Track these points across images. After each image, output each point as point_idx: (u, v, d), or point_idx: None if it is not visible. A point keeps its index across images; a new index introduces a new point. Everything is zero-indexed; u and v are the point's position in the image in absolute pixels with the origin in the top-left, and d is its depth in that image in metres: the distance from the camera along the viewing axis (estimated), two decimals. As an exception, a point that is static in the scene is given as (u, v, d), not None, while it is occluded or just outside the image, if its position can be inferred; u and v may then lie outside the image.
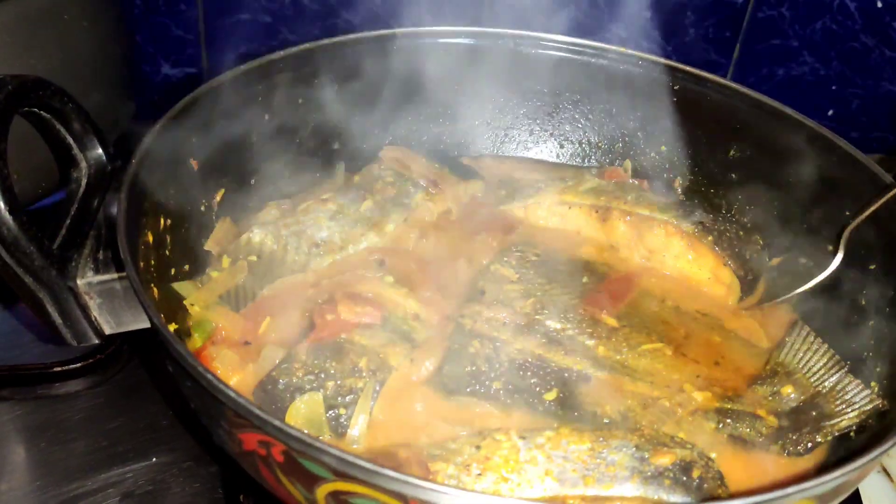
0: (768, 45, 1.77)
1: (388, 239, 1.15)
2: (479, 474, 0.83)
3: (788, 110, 1.20)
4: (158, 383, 1.16)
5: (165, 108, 1.02)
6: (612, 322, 1.04)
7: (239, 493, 1.01)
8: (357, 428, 0.90)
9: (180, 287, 1.02)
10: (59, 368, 1.15)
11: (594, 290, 1.09)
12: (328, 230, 1.13)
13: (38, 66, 1.08)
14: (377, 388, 0.93)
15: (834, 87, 1.83)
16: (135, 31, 1.65)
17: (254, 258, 1.09)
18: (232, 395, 0.70)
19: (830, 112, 1.86)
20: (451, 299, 1.06)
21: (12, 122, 0.88)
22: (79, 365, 1.15)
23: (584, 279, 1.10)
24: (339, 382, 0.92)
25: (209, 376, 0.71)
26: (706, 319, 1.09)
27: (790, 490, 0.66)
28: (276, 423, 0.68)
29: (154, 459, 1.06)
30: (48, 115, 0.96)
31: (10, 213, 0.82)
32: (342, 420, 0.91)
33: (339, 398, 0.91)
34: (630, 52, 1.31)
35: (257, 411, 0.69)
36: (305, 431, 0.75)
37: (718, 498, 0.82)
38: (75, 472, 1.04)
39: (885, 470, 1.20)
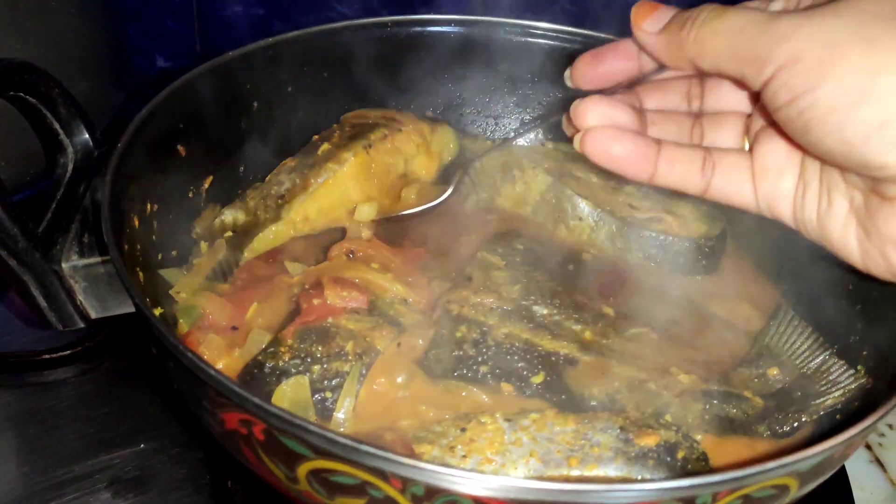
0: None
1: (349, 167, 1.13)
2: (465, 456, 0.83)
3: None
4: (146, 371, 1.16)
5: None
6: (610, 311, 1.04)
7: (226, 478, 1.02)
8: (343, 411, 0.90)
9: (167, 274, 1.03)
10: (47, 356, 1.15)
11: (586, 281, 1.09)
12: (289, 181, 1.13)
13: (25, 53, 1.08)
14: (363, 372, 0.93)
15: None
16: (128, 24, 1.65)
17: (229, 234, 1.10)
18: (212, 373, 0.70)
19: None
20: (438, 285, 1.06)
21: (-3, 105, 0.88)
22: (67, 353, 1.16)
23: (570, 267, 1.11)
24: (325, 366, 0.92)
25: (190, 355, 0.71)
26: (691, 304, 1.09)
27: (770, 465, 0.65)
28: (256, 400, 0.68)
29: (142, 446, 1.06)
30: (34, 100, 0.96)
31: (-7, 195, 0.82)
32: (328, 403, 0.91)
33: (325, 381, 0.91)
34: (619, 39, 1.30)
35: (237, 389, 0.69)
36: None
37: (699, 472, 0.82)
38: (63, 457, 1.04)
39: (878, 461, 1.20)
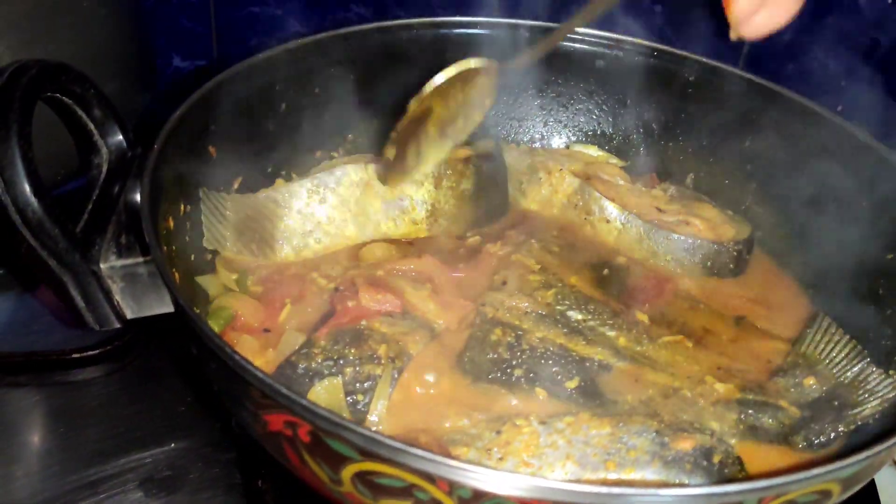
0: (777, 39, 1.77)
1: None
2: (501, 458, 0.83)
3: (803, 99, 1.20)
4: (175, 370, 1.16)
5: (176, 101, 1.02)
6: (645, 319, 1.04)
7: (257, 478, 1.02)
8: (376, 414, 0.91)
9: (202, 280, 1.03)
10: (76, 355, 1.15)
11: (621, 287, 1.10)
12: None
13: (57, 54, 1.07)
14: (395, 375, 0.93)
15: (843, 83, 1.82)
16: (146, 23, 1.65)
17: None
18: (259, 375, 0.70)
19: (839, 108, 1.86)
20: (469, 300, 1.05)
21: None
22: (96, 352, 1.15)
23: (605, 271, 1.11)
24: (357, 369, 0.92)
25: (236, 357, 0.72)
26: (726, 312, 1.09)
27: (816, 471, 0.66)
28: (305, 402, 0.68)
29: (172, 445, 1.06)
30: (69, 101, 0.96)
31: (35, 195, 0.82)
32: (360, 406, 0.91)
33: (358, 384, 0.91)
34: (645, 42, 1.31)
35: (285, 391, 0.69)
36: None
37: (735, 476, 0.83)
38: (94, 457, 1.04)
39: (896, 464, 1.20)
